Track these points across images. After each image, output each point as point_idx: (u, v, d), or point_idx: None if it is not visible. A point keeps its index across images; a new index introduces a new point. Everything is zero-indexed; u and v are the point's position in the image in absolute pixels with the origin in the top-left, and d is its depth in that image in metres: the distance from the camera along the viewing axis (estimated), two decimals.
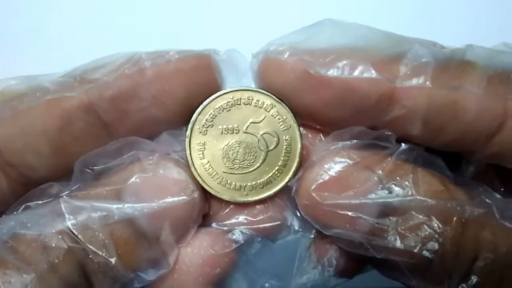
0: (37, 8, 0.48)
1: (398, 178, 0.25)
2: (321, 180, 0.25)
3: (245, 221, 0.27)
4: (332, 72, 0.25)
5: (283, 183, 0.27)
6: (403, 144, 0.26)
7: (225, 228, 0.27)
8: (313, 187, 0.25)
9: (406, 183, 0.24)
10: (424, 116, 0.25)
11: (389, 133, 0.26)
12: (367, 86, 0.25)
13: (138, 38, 0.46)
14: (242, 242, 0.27)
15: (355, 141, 0.26)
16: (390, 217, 0.24)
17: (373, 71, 0.25)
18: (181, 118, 0.27)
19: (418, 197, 0.24)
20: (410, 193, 0.24)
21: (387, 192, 0.24)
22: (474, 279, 0.24)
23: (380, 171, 0.25)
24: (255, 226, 0.27)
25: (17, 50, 0.47)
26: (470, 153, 0.27)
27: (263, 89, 0.27)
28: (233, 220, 0.28)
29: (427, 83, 0.24)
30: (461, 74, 0.25)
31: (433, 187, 0.25)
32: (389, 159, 0.25)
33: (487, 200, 0.25)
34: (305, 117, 0.27)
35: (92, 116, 0.26)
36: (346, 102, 0.25)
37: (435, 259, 0.24)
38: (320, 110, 0.26)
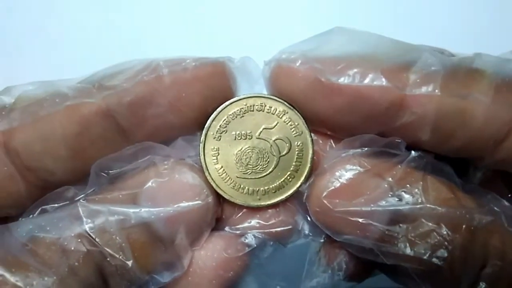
0: (37, 9, 0.49)
1: (408, 185, 0.25)
2: (332, 188, 0.26)
3: (257, 225, 0.28)
4: (343, 80, 0.25)
5: (294, 188, 0.28)
6: (413, 152, 0.26)
7: (238, 232, 0.28)
8: (324, 194, 0.25)
9: (416, 190, 0.25)
10: (433, 123, 0.25)
11: (399, 141, 0.26)
12: (377, 93, 0.25)
13: (145, 44, 0.47)
14: (255, 245, 0.27)
15: (366, 148, 0.27)
16: (400, 224, 0.25)
17: (383, 79, 0.25)
18: (196, 124, 0.28)
19: (428, 205, 0.24)
20: (420, 201, 0.25)
21: (397, 199, 0.25)
22: (482, 285, 0.25)
23: (390, 179, 0.25)
24: (267, 230, 0.28)
25: (17, 50, 0.47)
26: (478, 159, 0.27)
27: (275, 96, 0.28)
28: (246, 224, 0.28)
29: (436, 91, 0.25)
30: (470, 82, 0.25)
31: (442, 194, 0.25)
32: (399, 166, 0.26)
33: (495, 208, 0.25)
34: (316, 123, 0.28)
35: (110, 121, 0.26)
36: (357, 109, 0.26)
37: (445, 266, 0.24)
38: (330, 116, 0.27)
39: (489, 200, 0.26)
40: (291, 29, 0.46)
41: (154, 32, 0.48)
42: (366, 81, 0.25)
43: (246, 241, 0.28)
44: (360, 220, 0.25)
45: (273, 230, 0.28)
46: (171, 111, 0.27)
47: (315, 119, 0.27)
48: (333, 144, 0.29)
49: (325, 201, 0.25)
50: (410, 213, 0.24)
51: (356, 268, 0.28)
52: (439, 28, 0.47)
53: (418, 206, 0.24)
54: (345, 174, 0.26)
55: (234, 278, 0.27)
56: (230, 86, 0.28)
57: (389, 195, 0.25)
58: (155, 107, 0.26)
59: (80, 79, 0.28)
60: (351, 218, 0.25)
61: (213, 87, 0.27)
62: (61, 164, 0.26)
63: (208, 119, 0.28)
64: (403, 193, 0.25)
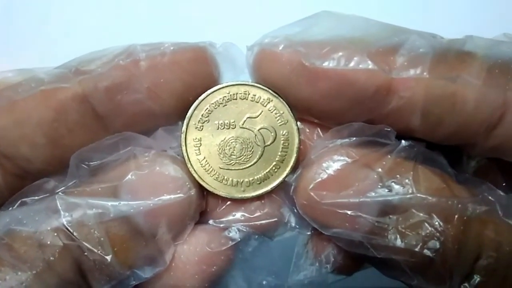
0: (36, 7, 0.48)
1: (398, 176, 0.24)
2: (320, 179, 0.25)
3: (242, 218, 0.27)
4: (328, 64, 0.24)
5: (280, 179, 0.27)
6: (403, 141, 0.25)
7: (221, 225, 0.27)
8: (311, 186, 0.25)
9: (406, 180, 0.24)
10: (423, 107, 0.24)
11: (389, 130, 0.26)
12: (364, 77, 0.24)
13: (134, 33, 0.46)
14: (239, 239, 0.27)
15: (354, 138, 0.26)
16: (390, 216, 0.24)
17: (369, 62, 0.24)
18: (177, 112, 0.27)
19: (418, 194, 0.24)
20: (410, 191, 0.24)
21: (387, 190, 0.24)
22: (477, 278, 0.24)
23: (379, 169, 0.24)
24: (252, 223, 0.27)
25: (15, 49, 0.47)
26: (471, 147, 0.26)
27: (259, 83, 0.27)
28: (230, 217, 0.27)
29: (425, 73, 0.24)
30: (460, 64, 0.24)
31: (434, 184, 0.24)
32: (389, 156, 0.25)
33: (490, 197, 0.24)
34: (302, 111, 0.27)
35: (87, 107, 0.25)
36: (343, 94, 0.25)
37: (437, 258, 0.23)
38: (316, 102, 0.25)
39: (483, 190, 0.25)
40: (276, 13, 0.45)
41: (137, 19, 0.48)
42: (352, 64, 0.24)
43: (230, 234, 0.27)
44: (349, 212, 0.24)
45: (258, 223, 0.27)
46: (150, 98, 0.26)
47: (300, 106, 0.26)
48: (320, 133, 0.27)
49: (312, 194, 0.24)
50: (400, 203, 0.24)
51: (345, 261, 0.27)
52: (430, 12, 0.45)
53: (409, 196, 0.24)
54: (333, 165, 0.25)
55: (218, 272, 0.26)
56: (212, 73, 0.27)
57: (379, 186, 0.24)
58: (133, 93, 0.25)
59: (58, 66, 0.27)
60: (339, 211, 0.24)
61: (193, 73, 0.26)
62: (39, 151, 0.26)
63: (189, 107, 0.27)
64: (393, 183, 0.24)
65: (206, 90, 0.27)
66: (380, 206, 0.24)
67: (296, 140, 0.27)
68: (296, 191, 0.26)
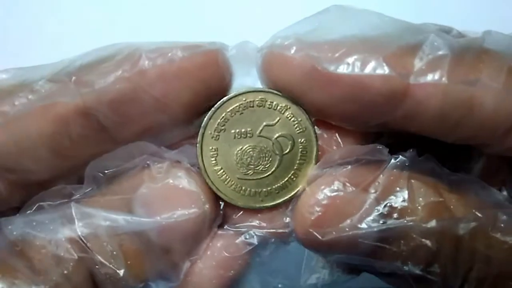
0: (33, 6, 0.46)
1: (393, 197, 0.24)
2: (317, 215, 0.24)
3: (259, 225, 0.27)
4: (342, 69, 0.23)
5: (299, 188, 0.26)
6: (392, 160, 0.25)
7: (238, 230, 0.27)
8: (309, 223, 0.24)
9: (401, 199, 0.24)
10: (439, 112, 0.24)
11: (381, 147, 0.25)
12: (379, 83, 0.23)
13: (137, 28, 0.44)
14: (256, 244, 0.26)
15: (347, 166, 0.25)
16: (390, 239, 0.24)
17: (385, 68, 0.23)
18: (187, 121, 0.26)
19: (415, 217, 0.23)
20: (408, 212, 0.24)
21: (385, 213, 0.24)
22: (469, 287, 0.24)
23: (375, 192, 0.24)
24: (269, 231, 0.27)
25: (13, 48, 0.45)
26: (486, 146, 0.26)
27: (274, 89, 0.25)
28: (247, 223, 0.27)
29: (443, 79, 0.23)
30: (478, 65, 0.23)
31: (429, 198, 0.24)
32: (381, 176, 0.24)
33: (478, 214, 0.24)
34: (314, 113, 0.26)
35: (91, 120, 0.24)
36: (357, 99, 0.24)
37: (438, 279, 0.24)
38: (329, 107, 0.24)
39: (478, 190, 0.25)
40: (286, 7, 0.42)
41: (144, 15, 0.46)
42: (367, 69, 0.23)
43: (247, 239, 0.26)
44: (349, 240, 0.24)
45: (274, 230, 0.27)
46: (158, 108, 0.24)
47: (313, 109, 0.25)
48: (339, 139, 0.27)
49: (311, 230, 0.24)
50: (399, 228, 0.23)
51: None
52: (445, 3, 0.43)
53: (406, 220, 0.23)
54: (328, 196, 0.24)
55: (235, 277, 0.26)
56: (223, 78, 0.25)
57: (376, 211, 0.24)
58: (139, 104, 0.24)
59: (57, 67, 0.25)
60: (340, 241, 0.24)
61: (204, 80, 0.25)
62: (42, 163, 0.25)
63: (200, 115, 0.25)
64: (389, 206, 0.24)
65: (217, 96, 0.25)
66: (379, 232, 0.24)
67: (315, 148, 0.26)
68: (295, 226, 0.25)
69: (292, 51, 0.24)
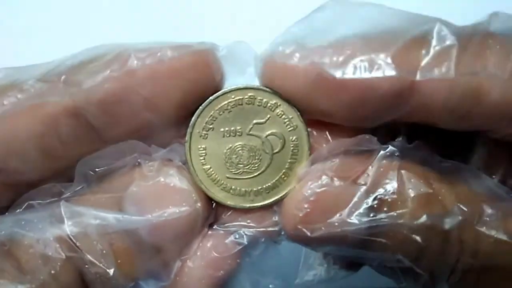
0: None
1: (382, 189, 0.24)
2: (305, 211, 0.24)
3: (249, 225, 0.26)
4: (349, 74, 0.23)
5: (289, 187, 0.26)
6: (381, 151, 0.24)
7: (228, 230, 0.27)
8: (298, 219, 0.24)
9: (391, 191, 0.23)
10: (447, 105, 0.23)
11: (369, 136, 0.25)
12: (387, 84, 0.23)
13: (132, 29, 0.44)
14: (246, 243, 0.26)
15: (335, 160, 0.25)
16: (379, 233, 0.23)
17: (392, 67, 0.22)
18: (177, 121, 0.25)
19: (405, 210, 0.23)
20: (398, 203, 0.23)
21: (374, 206, 0.23)
22: (455, 278, 0.24)
23: (364, 183, 0.24)
24: (259, 230, 0.26)
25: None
26: (493, 132, 0.25)
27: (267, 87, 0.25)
28: (236, 223, 0.27)
29: (450, 72, 0.22)
30: (484, 53, 0.23)
31: (419, 190, 0.24)
32: (371, 167, 0.24)
33: (464, 208, 0.24)
34: (317, 117, 0.25)
35: (79, 120, 0.24)
36: (365, 102, 0.23)
37: (424, 270, 0.24)
38: (336, 113, 0.24)
39: (468, 178, 0.25)
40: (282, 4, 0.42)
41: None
42: (374, 71, 0.22)
43: (237, 239, 0.26)
44: (339, 234, 0.23)
45: (265, 229, 0.26)
46: (147, 109, 0.24)
47: (318, 116, 0.25)
48: (329, 137, 0.26)
49: (300, 227, 0.24)
50: (388, 222, 0.23)
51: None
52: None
53: (395, 214, 0.23)
54: (316, 191, 0.24)
55: (225, 277, 0.26)
56: (214, 78, 0.25)
57: (365, 204, 0.23)
58: (129, 105, 0.24)
59: (47, 67, 0.25)
60: (329, 235, 0.24)
61: (194, 80, 0.24)
62: (31, 164, 0.24)
63: (190, 115, 0.25)
64: (378, 199, 0.23)
65: (208, 96, 0.25)
66: (369, 225, 0.23)
67: (306, 147, 0.26)
68: (283, 222, 0.25)
69: (295, 60, 0.23)
